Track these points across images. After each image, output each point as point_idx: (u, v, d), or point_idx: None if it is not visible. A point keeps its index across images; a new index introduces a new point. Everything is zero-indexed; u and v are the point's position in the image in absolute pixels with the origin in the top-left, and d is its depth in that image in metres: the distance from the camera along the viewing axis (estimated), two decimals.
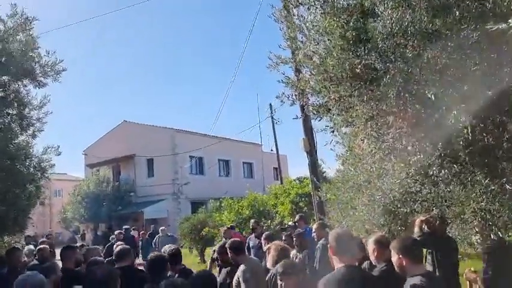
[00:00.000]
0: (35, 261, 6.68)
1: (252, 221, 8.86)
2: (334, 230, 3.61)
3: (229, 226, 12.80)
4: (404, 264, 3.13)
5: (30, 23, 7.34)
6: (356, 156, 4.63)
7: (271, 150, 24.97)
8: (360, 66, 3.78)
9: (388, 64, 3.70)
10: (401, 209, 4.66)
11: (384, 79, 3.69)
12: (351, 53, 3.76)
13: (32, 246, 8.22)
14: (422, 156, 3.78)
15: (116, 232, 12.85)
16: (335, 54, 3.69)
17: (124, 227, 15.74)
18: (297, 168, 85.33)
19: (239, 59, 35.42)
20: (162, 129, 28.09)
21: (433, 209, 4.42)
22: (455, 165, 3.56)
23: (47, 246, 7.86)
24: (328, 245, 3.35)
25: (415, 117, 3.58)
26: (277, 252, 4.59)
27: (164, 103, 71.15)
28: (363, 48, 3.74)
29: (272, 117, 23.02)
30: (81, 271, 5.32)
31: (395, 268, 3.29)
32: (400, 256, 3.15)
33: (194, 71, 69.02)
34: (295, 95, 4.22)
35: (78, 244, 9.04)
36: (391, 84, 3.63)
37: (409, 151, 4.03)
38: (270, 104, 23.04)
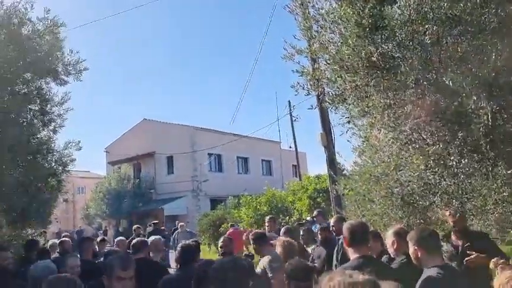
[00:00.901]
0: (57, 254, 6.86)
1: (267, 217, 8.81)
2: (348, 222, 3.56)
3: (232, 224, 13.95)
4: (419, 255, 3.06)
5: (58, 27, 7.49)
6: (373, 147, 4.55)
7: (290, 147, 24.88)
8: (376, 55, 3.71)
9: (406, 52, 3.61)
10: (420, 202, 4.56)
11: (402, 67, 3.61)
12: (367, 41, 3.68)
13: (55, 240, 8.42)
14: (441, 145, 3.68)
15: (134, 227, 13.06)
16: (351, 42, 3.62)
17: (153, 222, 16.13)
18: (316, 166, 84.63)
19: (257, 55, 35.31)
20: (182, 126, 28.31)
21: (453, 202, 4.32)
22: (475, 155, 3.45)
23: (68, 240, 8.06)
24: (343, 237, 3.31)
25: (433, 105, 3.49)
26: (283, 249, 4.56)
27: (184, 101, 71.71)
28: (379, 36, 3.67)
29: (291, 114, 22.92)
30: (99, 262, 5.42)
31: (412, 260, 3.22)
32: (416, 247, 3.07)
33: (213, 68, 69.34)
34: (311, 85, 4.17)
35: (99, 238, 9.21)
36: (409, 73, 3.55)
37: (427, 141, 3.94)
38: (289, 101, 22.95)
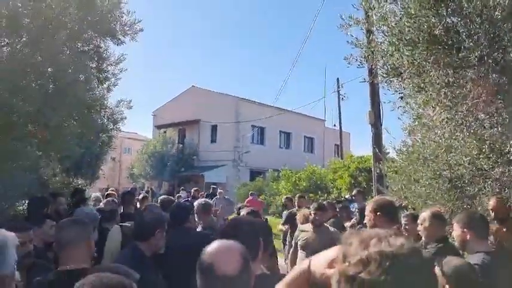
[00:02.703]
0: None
1: (284, 197, 8.84)
2: (378, 197, 3.47)
3: (251, 192, 14.56)
4: (468, 238, 2.94)
5: None
6: (424, 126, 4.39)
7: (334, 125, 24.47)
8: (439, 28, 3.52)
9: (472, 27, 3.41)
10: (468, 188, 4.39)
11: (466, 43, 3.42)
12: (430, 13, 3.50)
13: (98, 194, 8.92)
14: (499, 129, 3.50)
15: (193, 190, 13.60)
16: (413, 12, 3.45)
17: (194, 189, 16.69)
18: (359, 148, 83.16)
19: (310, 27, 34.26)
20: (227, 96, 28.52)
21: (505, 191, 4.12)
22: None
23: (114, 193, 8.52)
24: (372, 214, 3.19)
25: (496, 85, 3.30)
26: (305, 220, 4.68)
27: (231, 72, 72.01)
28: (445, 8, 3.48)
29: (338, 92, 22.44)
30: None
31: (456, 243, 3.11)
32: (465, 230, 2.94)
33: (264, 39, 68.72)
34: (365, 57, 4.04)
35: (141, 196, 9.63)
36: (474, 49, 3.36)
37: (484, 124, 3.76)
38: (337, 79, 22.47)
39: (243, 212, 4.85)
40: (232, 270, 1.51)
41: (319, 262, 1.08)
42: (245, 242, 1.67)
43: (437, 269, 2.16)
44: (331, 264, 1.02)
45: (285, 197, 9.83)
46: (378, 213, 3.09)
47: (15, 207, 5.74)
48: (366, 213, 3.26)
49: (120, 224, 4.30)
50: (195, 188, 14.00)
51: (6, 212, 5.23)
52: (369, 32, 4.45)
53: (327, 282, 0.96)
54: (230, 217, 7.53)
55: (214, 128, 29.13)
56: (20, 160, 5.49)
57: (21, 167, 5.50)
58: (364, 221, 3.38)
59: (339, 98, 22.54)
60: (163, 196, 5.79)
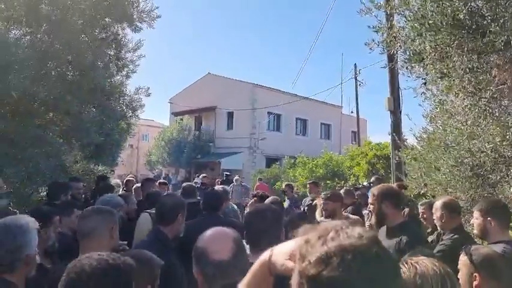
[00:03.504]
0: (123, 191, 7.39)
1: (284, 184, 8.74)
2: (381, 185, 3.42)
3: (259, 178, 14.75)
4: (490, 227, 2.88)
5: None
6: (446, 112, 4.30)
7: (352, 112, 24.20)
8: (463, 12, 3.43)
9: (498, 10, 3.30)
10: (491, 176, 4.31)
11: (492, 27, 3.32)
12: None
13: (118, 180, 9.04)
14: None
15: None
16: None
17: (203, 175, 16.78)
18: (376, 135, 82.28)
19: (327, 12, 33.73)
20: (243, 83, 28.44)
21: None
22: None
23: (133, 179, 8.64)
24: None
25: None
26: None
27: (247, 59, 71.67)
28: None
29: (356, 79, 22.11)
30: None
31: (476, 231, 3.05)
32: (489, 218, 2.87)
33: (281, 26, 68.03)
34: (386, 42, 3.97)
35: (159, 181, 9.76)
36: (499, 34, 3.26)
37: (508, 110, 3.67)
38: (355, 64, 22.10)
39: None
40: (225, 255, 1.55)
41: (281, 252, 1.04)
42: (269, 230, 1.69)
43: (464, 258, 2.14)
44: (292, 256, 0.97)
45: (286, 183, 9.69)
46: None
47: (39, 193, 5.88)
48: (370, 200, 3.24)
49: (147, 211, 4.29)
50: (204, 175, 14.02)
51: (31, 197, 5.36)
52: (390, 16, 4.37)
53: (288, 274, 0.91)
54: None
55: (230, 115, 29.16)
56: (43, 147, 5.61)
57: (44, 153, 5.63)
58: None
59: (356, 84, 22.22)
60: (186, 183, 5.85)
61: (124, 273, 1.45)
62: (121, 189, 8.00)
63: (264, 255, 1.11)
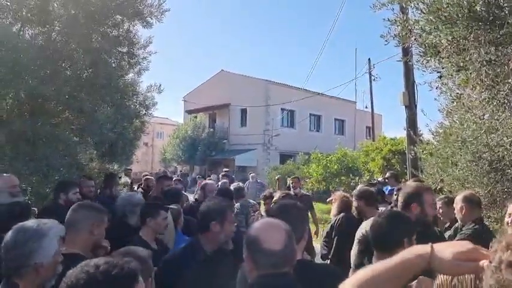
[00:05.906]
0: (141, 189, 7.43)
1: (290, 178, 8.60)
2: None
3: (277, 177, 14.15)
4: None
5: None
6: (463, 106, 4.21)
7: (366, 107, 23.94)
8: (480, 4, 3.34)
9: None
10: (509, 170, 4.21)
11: (509, 18, 3.23)
12: None
13: (127, 179, 9.09)
14: None
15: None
16: None
17: (224, 170, 16.81)
18: (391, 130, 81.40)
19: (338, 10, 33.39)
20: (256, 80, 28.39)
21: None
22: None
23: (152, 178, 8.68)
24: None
25: None
26: (340, 202, 4.58)
27: (260, 56, 71.55)
28: None
29: (370, 73, 21.81)
30: None
31: (506, 224, 3.04)
32: None
33: (294, 22, 67.70)
34: (402, 36, 3.89)
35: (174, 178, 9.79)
36: None
37: None
38: (369, 59, 21.79)
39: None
40: (277, 246, 1.58)
41: (448, 250, 1.02)
42: (292, 225, 1.71)
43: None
44: (461, 256, 1.00)
45: (293, 177, 9.40)
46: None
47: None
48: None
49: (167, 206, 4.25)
50: (226, 169, 14.03)
51: (49, 196, 5.42)
52: (404, 10, 4.28)
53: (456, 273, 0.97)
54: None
55: (244, 112, 29.18)
56: (59, 145, 5.67)
57: (59, 152, 5.69)
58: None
59: (370, 79, 21.91)
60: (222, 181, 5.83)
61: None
62: (136, 186, 8.05)
63: (423, 248, 1.07)
